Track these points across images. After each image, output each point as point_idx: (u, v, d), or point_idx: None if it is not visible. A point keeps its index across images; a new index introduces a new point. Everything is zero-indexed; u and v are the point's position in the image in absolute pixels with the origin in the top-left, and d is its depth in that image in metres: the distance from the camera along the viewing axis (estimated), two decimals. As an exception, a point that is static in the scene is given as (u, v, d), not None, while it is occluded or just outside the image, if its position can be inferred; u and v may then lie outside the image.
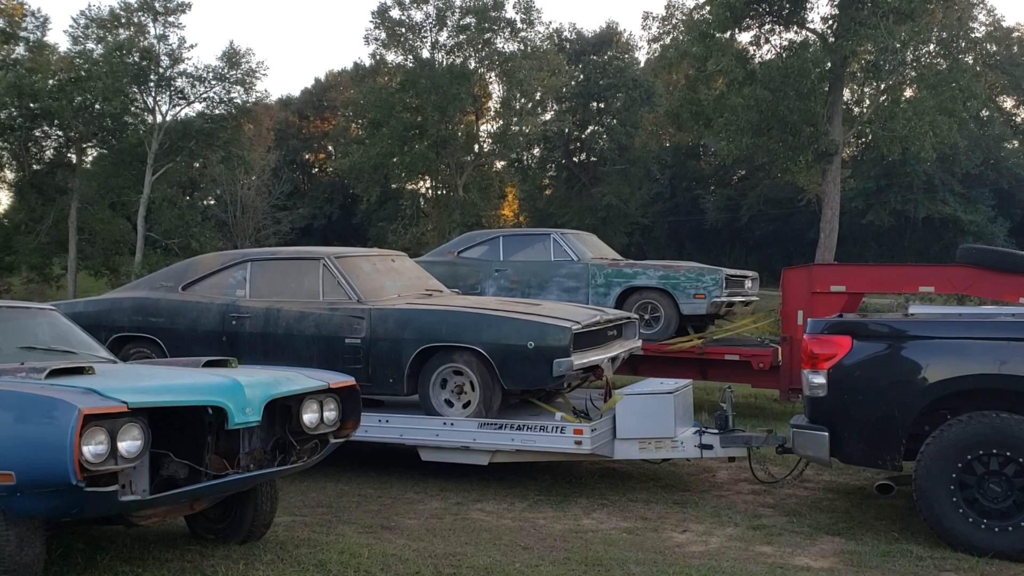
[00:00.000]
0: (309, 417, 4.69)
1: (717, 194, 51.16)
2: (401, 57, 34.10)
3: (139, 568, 4.46)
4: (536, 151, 44.54)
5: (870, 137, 34.66)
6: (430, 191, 42.79)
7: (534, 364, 6.28)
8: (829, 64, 28.18)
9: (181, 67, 34.67)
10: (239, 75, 35.30)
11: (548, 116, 41.14)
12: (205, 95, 35.18)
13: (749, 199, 48.30)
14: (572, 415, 6.58)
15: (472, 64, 33.82)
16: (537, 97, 37.76)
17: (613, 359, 6.97)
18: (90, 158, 35.30)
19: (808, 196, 33.82)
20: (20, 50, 33.70)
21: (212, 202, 46.30)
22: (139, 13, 34.10)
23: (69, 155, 34.26)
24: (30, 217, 34.45)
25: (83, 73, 32.49)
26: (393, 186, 49.58)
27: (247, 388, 4.26)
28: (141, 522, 4.30)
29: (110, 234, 34.93)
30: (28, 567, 3.86)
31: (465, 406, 6.57)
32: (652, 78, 42.00)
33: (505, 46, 33.89)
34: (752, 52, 31.02)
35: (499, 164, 40.23)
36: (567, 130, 43.05)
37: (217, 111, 35.28)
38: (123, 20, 34.30)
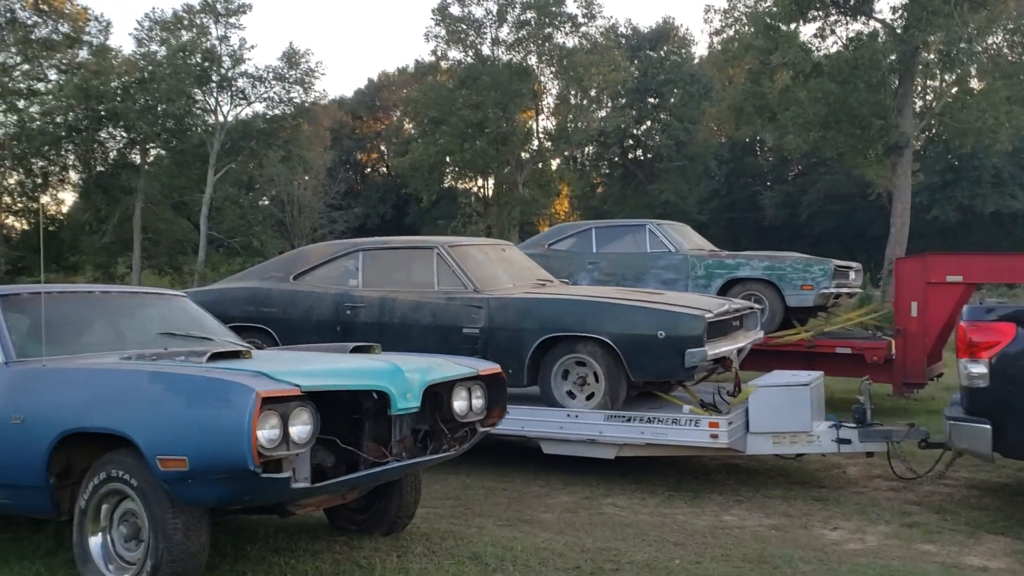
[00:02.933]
0: (459, 404, 4.52)
1: (775, 190, 50.37)
2: (461, 54, 34.11)
3: (292, 559, 4.33)
4: (589, 148, 44.34)
5: (935, 130, 33.99)
6: (482, 190, 42.82)
7: (664, 355, 6.06)
8: (895, 56, 27.53)
9: (242, 67, 35.03)
10: (298, 75, 35.57)
11: (603, 112, 40.88)
12: (265, 95, 35.49)
13: (809, 195, 47.46)
14: (699, 408, 6.35)
15: (532, 60, 33.66)
16: (592, 93, 37.57)
17: (739, 350, 6.72)
18: (153, 159, 35.70)
19: (876, 190, 33.03)
20: (84, 54, 34.24)
21: (267, 201, 46.76)
22: (201, 15, 34.49)
23: (133, 156, 34.76)
24: (95, 217, 34.99)
25: (146, 75, 32.94)
26: (447, 185, 49.83)
27: (407, 373, 4.11)
28: (298, 511, 4.17)
29: (173, 233, 35.35)
30: (195, 556, 3.74)
31: (588, 398, 6.37)
32: (712, 72, 41.46)
33: (565, 40, 33.69)
34: (816, 44, 30.40)
35: (554, 162, 40.12)
36: (623, 126, 42.70)
37: (277, 111, 35.57)
38: (185, 22, 34.73)
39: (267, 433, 3.47)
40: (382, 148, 62.30)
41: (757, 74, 31.29)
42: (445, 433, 4.51)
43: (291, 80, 35.60)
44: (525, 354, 6.41)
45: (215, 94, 34.77)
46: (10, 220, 35.36)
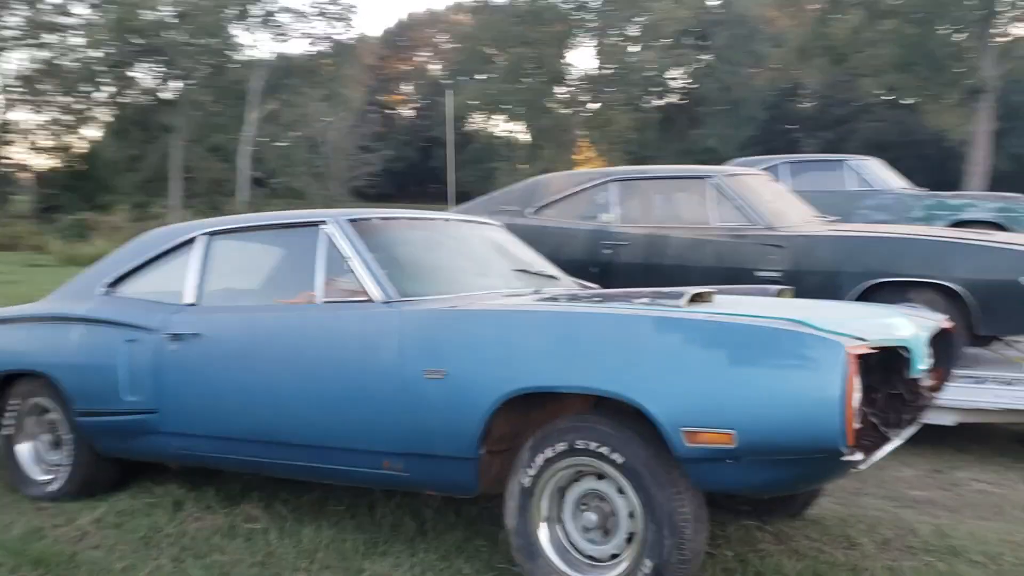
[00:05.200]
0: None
1: (817, 137, 49.16)
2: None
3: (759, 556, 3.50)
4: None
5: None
6: (525, 132, 41.60)
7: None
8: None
9: (282, 2, 33.66)
10: (339, 11, 34.24)
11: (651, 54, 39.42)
12: (306, 32, 34.19)
13: (850, 142, 46.30)
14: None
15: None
16: (634, 32, 36.15)
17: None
18: (192, 95, 34.43)
19: (950, 137, 31.85)
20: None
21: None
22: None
23: (170, 93, 33.51)
24: (129, 156, 33.81)
25: (186, 9, 31.59)
26: (476, 128, 48.54)
27: (917, 328, 3.23)
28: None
29: (211, 172, 34.23)
30: (699, 556, 2.90)
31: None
32: (763, 13, 40.02)
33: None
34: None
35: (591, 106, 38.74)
36: (661, 70, 41.32)
37: (318, 48, 34.30)
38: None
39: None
40: (409, 89, 60.90)
41: (825, 14, 30.02)
42: (910, 401, 3.63)
43: (332, 16, 34.29)
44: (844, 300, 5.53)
45: (254, 31, 33.45)
46: (43, 158, 34.26)
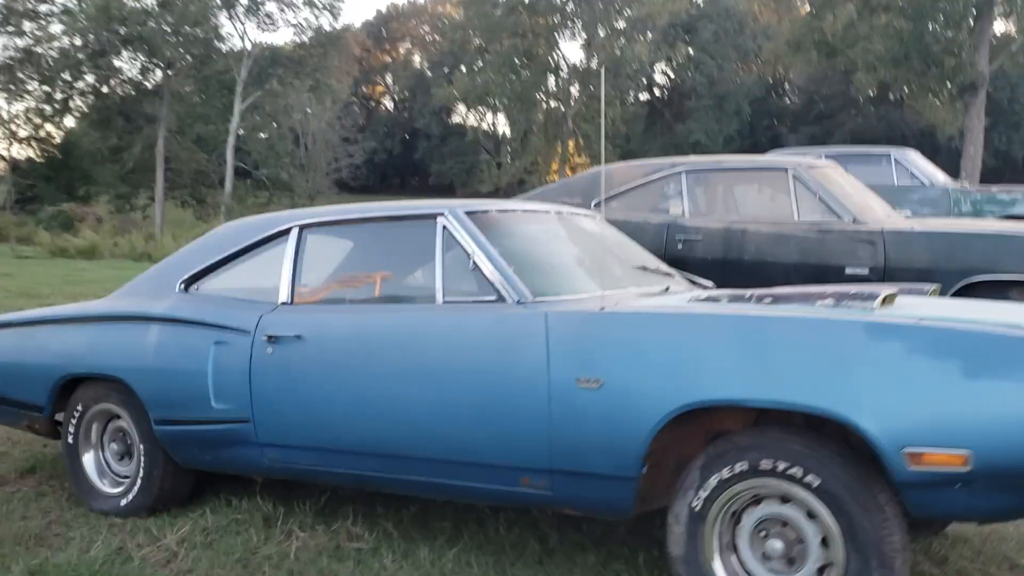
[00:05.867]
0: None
1: (800, 132, 49.19)
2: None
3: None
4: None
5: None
6: (503, 126, 41.28)
7: None
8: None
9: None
10: (327, 0, 33.68)
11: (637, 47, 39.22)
12: (293, 21, 33.63)
13: (835, 137, 46.40)
14: None
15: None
16: (620, 26, 35.95)
17: None
18: (176, 86, 33.74)
19: (945, 132, 31.86)
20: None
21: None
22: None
23: (155, 82, 32.79)
24: (110, 146, 33.02)
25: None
26: (458, 121, 48.05)
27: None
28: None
29: (196, 164, 33.58)
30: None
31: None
32: (761, 7, 39.95)
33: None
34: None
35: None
36: (652, 63, 41.16)
37: (305, 37, 33.72)
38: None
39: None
40: (388, 81, 60.38)
41: (820, 8, 29.87)
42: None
43: (319, 6, 33.72)
44: (939, 300, 5.28)
45: (242, 19, 32.83)
46: (16, 149, 33.41)
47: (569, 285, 3.29)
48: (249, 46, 32.39)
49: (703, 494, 2.73)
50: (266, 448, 3.56)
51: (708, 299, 3.14)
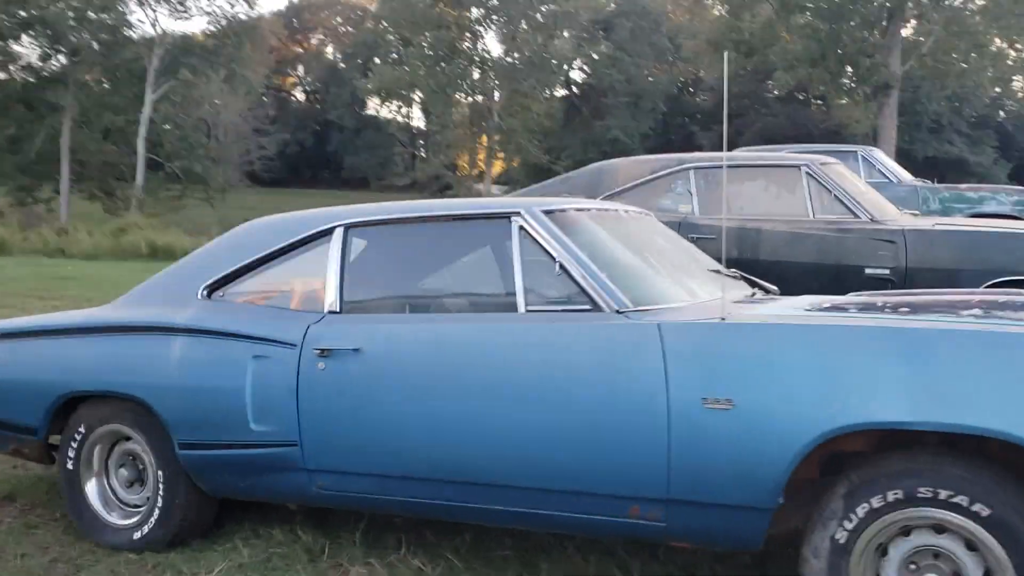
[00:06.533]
0: None
1: (713, 131, 49.97)
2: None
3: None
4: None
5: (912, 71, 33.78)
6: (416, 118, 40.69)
7: None
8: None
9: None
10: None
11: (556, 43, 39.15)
12: (207, 8, 32.41)
13: (746, 136, 47.26)
14: None
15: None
16: (540, 20, 35.80)
17: None
18: (81, 74, 32.12)
19: (854, 131, 32.69)
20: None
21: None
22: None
23: (58, 67, 31.15)
24: (9, 135, 31.24)
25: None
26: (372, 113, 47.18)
27: None
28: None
29: (105, 156, 32.04)
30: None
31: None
32: (676, 6, 40.37)
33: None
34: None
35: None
36: (571, 59, 41.20)
37: (220, 25, 32.50)
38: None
39: None
40: (300, 72, 59.11)
41: (737, 7, 30.37)
42: None
43: (234, -8, 32.55)
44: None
45: (153, 5, 31.44)
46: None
47: (664, 292, 3.04)
48: (161, 33, 31.04)
49: (848, 525, 2.50)
50: (316, 474, 3.19)
51: (833, 308, 2.91)
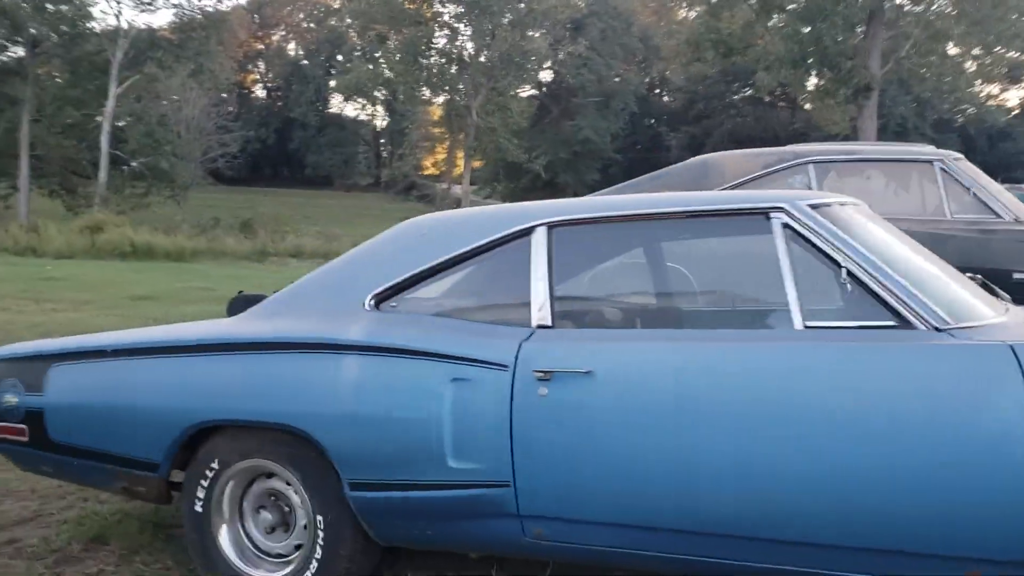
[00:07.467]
0: None
1: (681, 132, 49.90)
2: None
3: None
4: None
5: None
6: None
7: None
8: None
9: (146, -35, 30.61)
10: (209, -21, 31.60)
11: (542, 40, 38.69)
12: (174, 1, 31.30)
13: (714, 137, 47.30)
14: None
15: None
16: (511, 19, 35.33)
17: None
18: (39, 67, 30.86)
19: (827, 132, 32.72)
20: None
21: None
22: (99, -100, 29.86)
23: (13, 58, 29.90)
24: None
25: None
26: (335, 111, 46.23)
27: None
28: None
29: (66, 151, 30.80)
30: None
31: None
32: (645, 7, 40.18)
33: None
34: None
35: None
36: (547, 57, 40.78)
37: (186, 18, 31.46)
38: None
39: None
40: (261, 69, 57.97)
41: (716, 8, 30.21)
42: None
43: (201, -15, 31.55)
44: None
45: (116, -3, 30.29)
46: None
47: (974, 305, 2.56)
48: (125, 26, 29.92)
49: None
50: (532, 521, 2.65)
51: None
